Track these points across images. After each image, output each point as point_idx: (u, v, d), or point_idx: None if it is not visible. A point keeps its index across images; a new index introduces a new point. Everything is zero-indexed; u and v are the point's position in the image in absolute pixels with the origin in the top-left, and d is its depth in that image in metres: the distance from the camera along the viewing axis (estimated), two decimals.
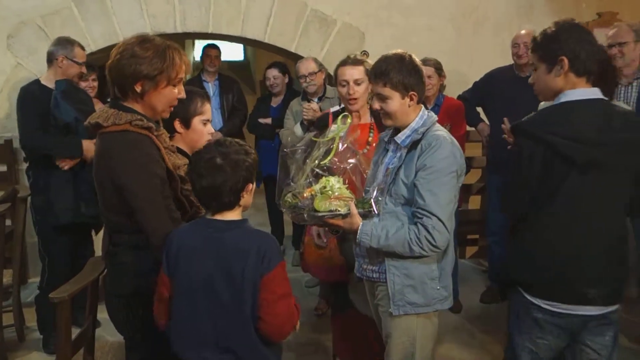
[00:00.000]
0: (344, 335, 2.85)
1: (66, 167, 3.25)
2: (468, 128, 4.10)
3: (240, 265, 1.63)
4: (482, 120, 4.16)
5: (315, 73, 3.93)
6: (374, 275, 2.15)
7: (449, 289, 2.14)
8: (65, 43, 3.34)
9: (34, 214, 3.39)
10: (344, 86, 2.70)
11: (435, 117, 2.13)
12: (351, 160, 2.12)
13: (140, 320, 1.85)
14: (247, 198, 1.74)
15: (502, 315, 3.89)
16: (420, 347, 2.14)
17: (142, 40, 1.83)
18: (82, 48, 3.40)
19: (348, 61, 2.72)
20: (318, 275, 3.16)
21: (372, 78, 2.11)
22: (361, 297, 2.50)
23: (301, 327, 3.65)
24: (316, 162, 2.06)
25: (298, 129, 3.67)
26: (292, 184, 2.07)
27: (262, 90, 5.01)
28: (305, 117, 3.60)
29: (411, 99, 2.05)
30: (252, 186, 1.74)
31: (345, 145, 2.09)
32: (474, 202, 5.01)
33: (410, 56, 2.09)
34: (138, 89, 1.81)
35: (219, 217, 1.72)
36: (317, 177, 2.06)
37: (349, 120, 2.12)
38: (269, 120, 4.63)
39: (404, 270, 2.06)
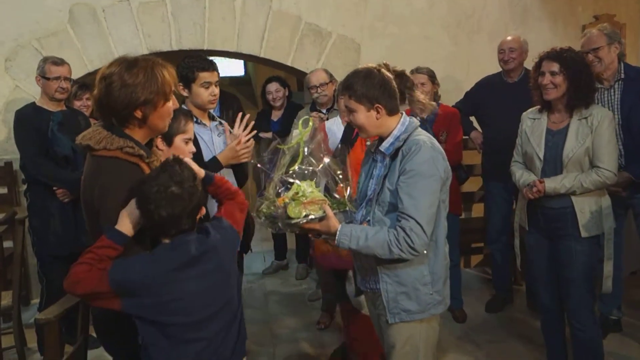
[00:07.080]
0: (353, 329, 3.03)
1: (66, 200, 3.32)
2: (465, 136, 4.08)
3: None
4: (474, 129, 4.15)
5: (326, 84, 3.90)
6: (376, 286, 2.14)
7: (443, 292, 2.14)
8: (39, 63, 3.38)
9: (32, 235, 3.41)
10: None
11: (416, 122, 2.13)
12: (325, 160, 2.10)
13: (123, 343, 1.82)
14: (200, 215, 1.80)
15: (507, 325, 3.84)
16: (424, 355, 2.15)
17: (128, 65, 1.78)
18: (58, 63, 3.34)
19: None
20: (325, 265, 3.23)
21: (339, 91, 2.12)
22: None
23: (304, 341, 3.67)
24: (284, 169, 2.05)
25: None
26: (264, 193, 2.06)
27: (263, 105, 5.02)
28: None
29: (377, 112, 2.05)
30: (204, 209, 1.80)
31: (311, 149, 2.08)
32: (477, 210, 4.96)
33: (379, 70, 2.08)
34: (139, 115, 1.79)
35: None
36: (289, 184, 2.04)
37: (310, 124, 2.12)
38: (269, 135, 4.63)
39: (395, 277, 2.07)
